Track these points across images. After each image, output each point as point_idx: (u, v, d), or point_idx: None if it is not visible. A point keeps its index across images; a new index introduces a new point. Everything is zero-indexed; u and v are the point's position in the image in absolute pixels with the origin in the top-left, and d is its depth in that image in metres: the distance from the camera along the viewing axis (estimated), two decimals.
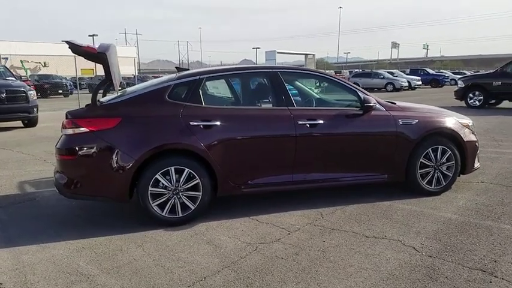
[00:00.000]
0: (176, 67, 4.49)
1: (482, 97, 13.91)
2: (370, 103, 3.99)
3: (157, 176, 3.50)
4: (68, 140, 3.47)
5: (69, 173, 3.48)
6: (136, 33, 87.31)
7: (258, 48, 71.61)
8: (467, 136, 4.40)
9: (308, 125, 3.83)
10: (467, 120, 4.55)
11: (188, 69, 4.36)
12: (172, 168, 3.52)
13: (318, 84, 4.77)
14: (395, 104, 4.34)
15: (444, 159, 4.30)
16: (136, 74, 55.74)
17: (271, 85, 3.95)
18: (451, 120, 4.36)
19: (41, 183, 5.24)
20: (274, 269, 2.80)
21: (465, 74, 43.03)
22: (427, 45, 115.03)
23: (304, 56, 23.74)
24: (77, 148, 3.41)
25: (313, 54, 25.63)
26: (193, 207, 3.64)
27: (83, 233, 3.50)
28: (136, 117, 3.53)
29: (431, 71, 37.99)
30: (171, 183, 3.55)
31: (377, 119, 4.08)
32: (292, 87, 4.12)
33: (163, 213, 3.57)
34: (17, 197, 4.65)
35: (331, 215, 3.83)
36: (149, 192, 3.50)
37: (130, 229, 3.57)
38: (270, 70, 4.02)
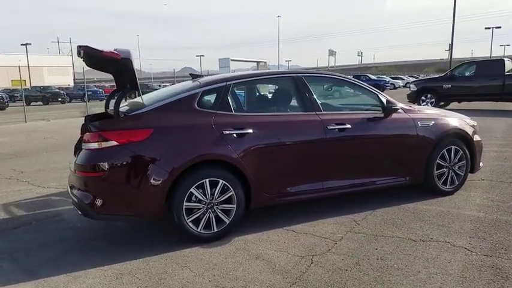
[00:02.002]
0: (190, 74, 4.22)
1: (433, 99, 14.77)
2: (396, 105, 4.02)
3: (192, 189, 3.24)
4: (94, 154, 3.10)
5: (96, 191, 3.10)
6: (71, 42, 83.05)
7: (202, 56, 71.22)
8: (475, 136, 4.57)
9: (337, 130, 3.76)
10: (472, 121, 4.73)
11: (203, 76, 4.13)
12: (207, 180, 3.28)
13: (329, 88, 4.73)
14: (411, 106, 4.41)
15: (456, 159, 4.42)
16: (74, 84, 52.85)
17: (297, 90, 3.83)
18: (461, 122, 4.51)
19: (27, 205, 4.68)
20: (346, 282, 2.67)
21: (403, 78, 45.80)
22: (361, 53, 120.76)
23: (256, 63, 23.94)
24: (105, 163, 3.05)
25: (265, 62, 25.93)
26: (228, 221, 3.41)
27: (111, 257, 3.14)
28: (169, 127, 3.25)
29: (372, 77, 39.91)
30: (205, 197, 3.30)
31: (399, 122, 4.11)
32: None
33: (199, 229, 3.31)
34: (8, 221, 4.11)
35: (365, 220, 3.77)
36: (184, 207, 3.23)
37: (162, 248, 3.27)
38: (295, 75, 3.90)
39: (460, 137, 4.44)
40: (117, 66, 3.42)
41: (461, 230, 3.47)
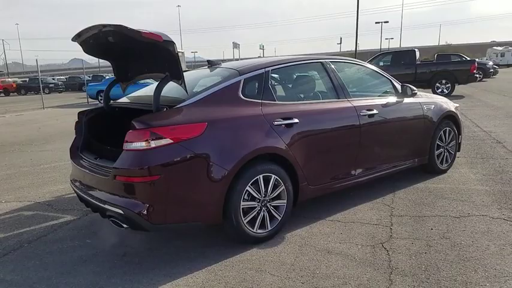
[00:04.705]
0: (208, 60, 3.80)
1: None
2: (415, 90, 4.14)
3: (247, 187, 2.96)
4: (144, 156, 2.62)
5: (148, 198, 2.63)
6: None
7: None
8: (460, 118, 4.95)
9: (367, 116, 3.76)
10: (455, 104, 5.11)
11: (220, 63, 3.78)
12: (261, 176, 3.03)
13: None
14: None
15: (449, 139, 4.75)
16: None
17: (328, 76, 3.71)
18: (451, 105, 4.84)
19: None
20: (437, 264, 2.67)
21: None
22: (263, 46, 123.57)
23: None
24: (160, 165, 2.61)
25: (183, 52, 25.08)
26: (279, 218, 3.20)
27: (164, 273, 2.72)
28: (221, 120, 2.89)
29: None
30: (260, 194, 3.05)
31: (411, 106, 4.26)
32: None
33: (255, 230, 3.05)
34: None
35: (395, 203, 3.84)
36: (241, 207, 2.94)
37: (217, 256, 2.93)
38: (323, 60, 3.78)
39: (452, 118, 4.77)
40: (150, 51, 2.93)
41: (485, 203, 3.73)
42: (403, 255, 2.83)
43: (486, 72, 22.74)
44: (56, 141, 8.73)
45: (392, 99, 4.14)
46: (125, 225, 2.73)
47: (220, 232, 3.20)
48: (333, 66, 3.77)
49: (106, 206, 2.77)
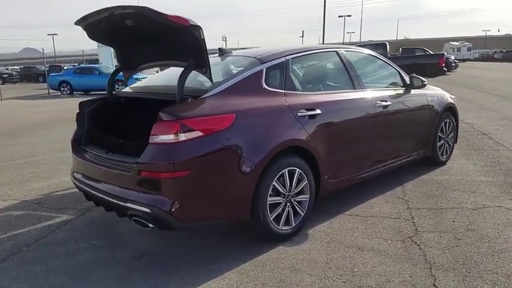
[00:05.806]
0: (219, 48, 3.55)
1: None
2: (425, 81, 4.12)
3: (274, 182, 2.80)
4: (174, 149, 2.39)
5: (178, 195, 2.41)
6: None
7: (55, 34, 63.02)
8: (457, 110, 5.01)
9: (382, 107, 3.69)
10: (453, 96, 5.16)
11: (231, 51, 3.58)
12: (286, 170, 2.88)
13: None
14: None
15: (449, 131, 4.79)
16: None
17: (344, 66, 3.60)
18: (449, 96, 4.88)
19: None
20: (473, 257, 2.63)
21: None
22: (225, 37, 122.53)
23: None
24: (191, 159, 2.40)
25: None
26: (302, 214, 3.07)
27: (192, 274, 2.53)
28: (248, 111, 2.71)
29: None
30: (285, 189, 2.90)
31: (418, 97, 4.24)
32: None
33: (280, 226, 2.90)
34: None
35: (407, 196, 3.81)
36: (268, 203, 2.78)
37: (242, 255, 2.76)
38: (338, 49, 3.67)
39: (452, 110, 4.81)
40: (170, 37, 2.69)
41: (495, 194, 3.77)
42: (436, 249, 2.78)
43: (449, 66, 23.62)
44: (26, 135, 8.15)
45: (402, 90, 4.10)
46: (150, 225, 2.50)
47: (240, 229, 3.04)
48: (346, 55, 3.67)
49: (128, 205, 2.52)
